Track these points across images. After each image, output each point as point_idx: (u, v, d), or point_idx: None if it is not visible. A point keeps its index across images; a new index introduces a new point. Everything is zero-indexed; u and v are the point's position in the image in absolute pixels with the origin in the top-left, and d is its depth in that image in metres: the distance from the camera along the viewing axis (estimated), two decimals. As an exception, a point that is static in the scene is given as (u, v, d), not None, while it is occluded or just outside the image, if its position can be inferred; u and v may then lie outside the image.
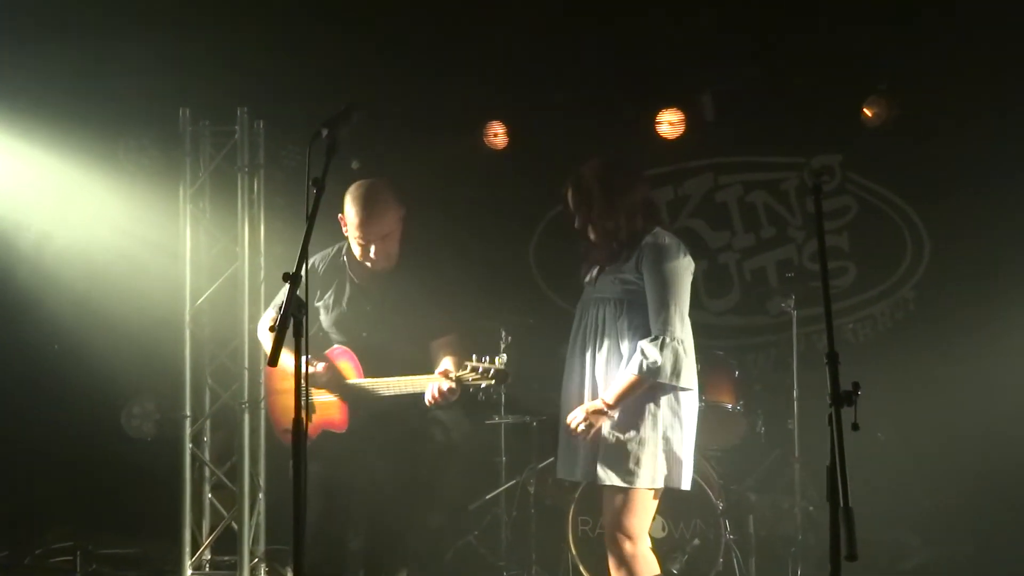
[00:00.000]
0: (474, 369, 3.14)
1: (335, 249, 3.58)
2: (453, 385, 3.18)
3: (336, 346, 3.49)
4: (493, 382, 3.13)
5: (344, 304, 3.48)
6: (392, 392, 3.32)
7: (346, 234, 3.44)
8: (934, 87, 5.25)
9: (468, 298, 3.49)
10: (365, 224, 3.32)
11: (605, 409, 3.11)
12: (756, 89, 5.48)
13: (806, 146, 5.64)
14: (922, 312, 5.54)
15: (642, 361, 3.06)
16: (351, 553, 3.54)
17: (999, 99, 5.18)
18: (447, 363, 3.27)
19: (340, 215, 3.43)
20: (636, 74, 5.54)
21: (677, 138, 5.62)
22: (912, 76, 5.28)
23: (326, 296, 3.53)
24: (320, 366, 3.39)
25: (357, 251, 3.40)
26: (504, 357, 3.15)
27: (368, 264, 3.41)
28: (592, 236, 3.26)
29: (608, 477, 3.13)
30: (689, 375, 3.14)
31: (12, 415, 5.56)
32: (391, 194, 3.40)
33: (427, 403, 3.25)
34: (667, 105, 5.59)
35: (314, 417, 3.38)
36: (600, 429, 3.12)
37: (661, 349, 3.06)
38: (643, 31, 5.44)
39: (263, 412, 4.75)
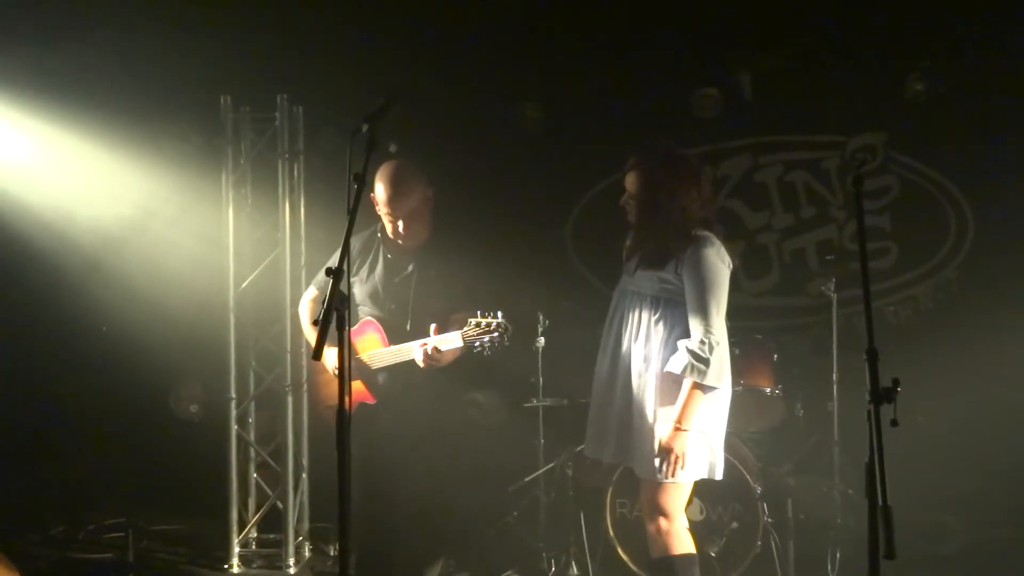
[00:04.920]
0: (477, 324, 3.25)
1: (372, 228, 3.73)
2: (436, 347, 3.29)
3: (364, 319, 3.61)
4: (496, 334, 3.22)
5: (376, 277, 3.64)
6: (384, 363, 3.49)
7: (378, 212, 3.59)
8: (978, 64, 5.13)
9: (496, 276, 3.55)
10: (392, 202, 3.50)
11: (683, 430, 3.12)
12: (796, 67, 5.40)
13: (848, 124, 5.55)
14: (964, 293, 5.45)
15: (692, 365, 3.09)
16: (392, 532, 3.62)
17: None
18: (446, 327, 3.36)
19: (371, 194, 3.56)
20: (674, 52, 5.47)
21: (715, 118, 5.55)
22: (956, 53, 5.16)
23: (361, 270, 3.69)
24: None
25: (388, 228, 3.58)
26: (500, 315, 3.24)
27: (400, 242, 3.58)
28: (641, 225, 3.25)
29: (648, 472, 3.19)
30: (727, 375, 3.21)
31: (65, 396, 5.72)
32: (417, 175, 3.56)
33: (420, 365, 3.36)
34: (705, 84, 5.53)
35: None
36: (679, 445, 3.12)
37: (710, 352, 3.10)
38: (681, 8, 5.38)
39: (305, 394, 4.86)
